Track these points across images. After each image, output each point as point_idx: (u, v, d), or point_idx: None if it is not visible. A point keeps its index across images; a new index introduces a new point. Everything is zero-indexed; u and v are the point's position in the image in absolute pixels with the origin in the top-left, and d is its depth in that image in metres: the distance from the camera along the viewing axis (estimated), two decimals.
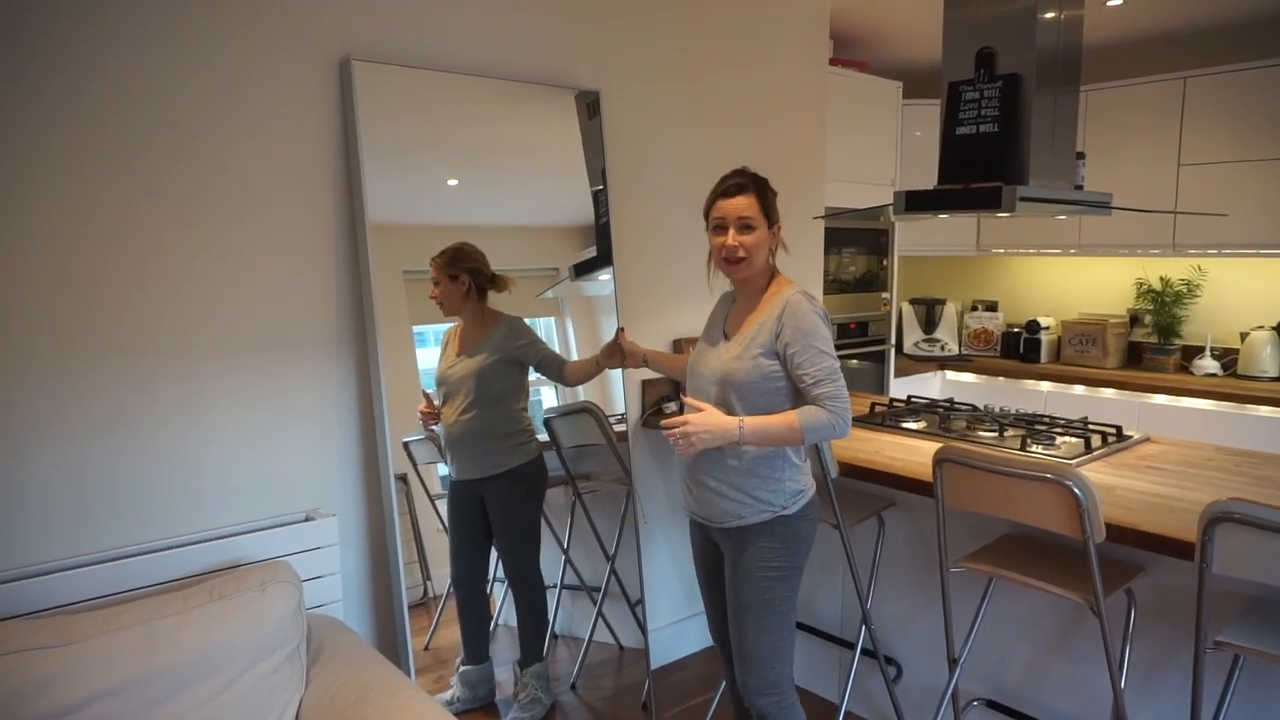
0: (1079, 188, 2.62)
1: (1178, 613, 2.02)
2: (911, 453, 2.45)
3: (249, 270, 2.19)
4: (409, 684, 1.87)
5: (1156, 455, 2.42)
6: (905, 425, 2.78)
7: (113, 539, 2.03)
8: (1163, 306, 4.31)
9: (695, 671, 3.13)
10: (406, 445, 2.44)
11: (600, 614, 2.88)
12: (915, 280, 5.53)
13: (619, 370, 2.85)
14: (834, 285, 4.18)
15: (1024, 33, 2.38)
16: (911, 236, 4.68)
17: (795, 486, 1.97)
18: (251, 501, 2.24)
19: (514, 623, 2.66)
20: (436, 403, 2.49)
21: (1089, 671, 2.21)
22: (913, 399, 3.12)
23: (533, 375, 2.63)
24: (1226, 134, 3.86)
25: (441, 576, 2.52)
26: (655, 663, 3.13)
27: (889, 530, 2.61)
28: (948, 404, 3.00)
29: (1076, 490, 1.76)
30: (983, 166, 2.44)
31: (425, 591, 2.48)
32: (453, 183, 2.51)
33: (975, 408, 2.96)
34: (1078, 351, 4.50)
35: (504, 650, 2.64)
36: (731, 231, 1.93)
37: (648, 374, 3.05)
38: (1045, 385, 4.40)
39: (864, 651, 2.56)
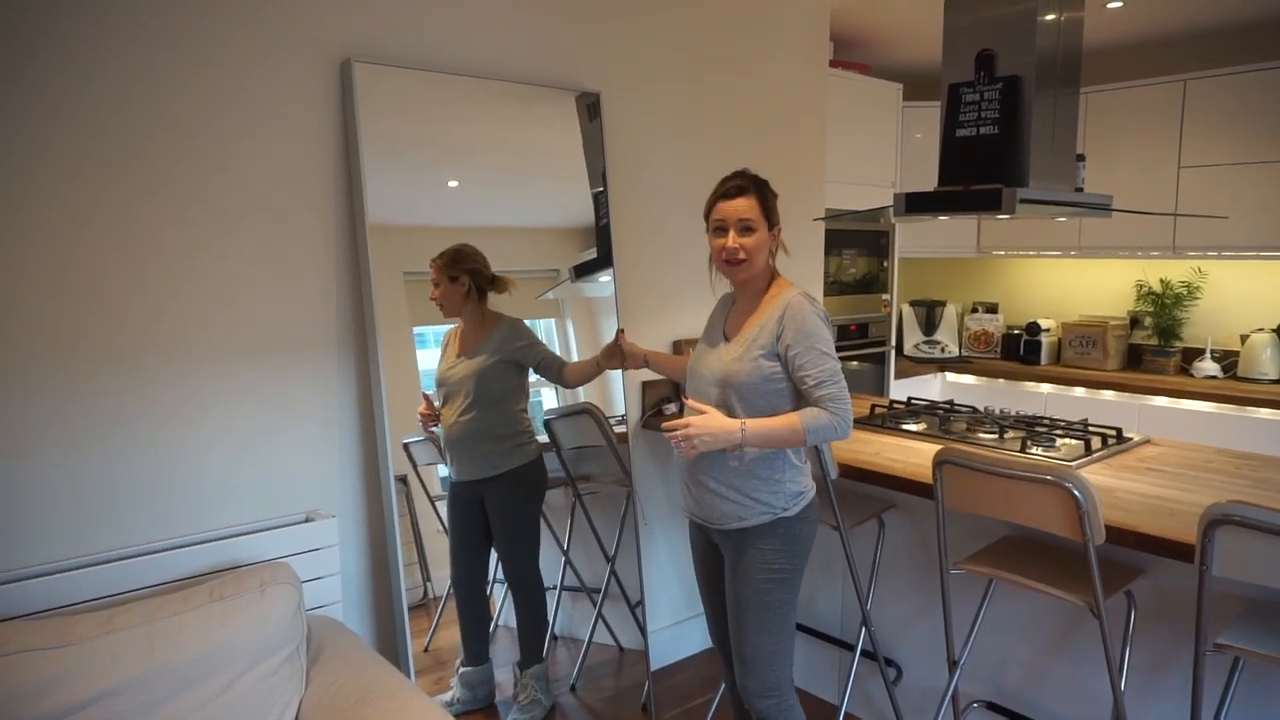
0: (1079, 190, 2.62)
1: (1178, 615, 2.02)
2: (911, 454, 2.45)
3: (249, 271, 2.19)
4: (409, 685, 1.87)
5: (1156, 457, 2.42)
6: (905, 427, 2.78)
7: (113, 540, 2.03)
8: (1163, 309, 4.31)
9: (695, 673, 3.13)
10: (406, 446, 2.44)
11: (600, 615, 2.88)
12: (915, 282, 5.53)
13: (619, 371, 2.85)
14: (834, 287, 4.18)
15: (1024, 35, 2.38)
16: (912, 238, 4.68)
17: (796, 488, 1.97)
18: (251, 502, 2.24)
19: (514, 624, 2.65)
20: (436, 404, 2.49)
21: (1089, 673, 2.20)
22: (913, 401, 3.12)
23: (533, 377, 2.63)
24: (1226, 136, 3.86)
25: (441, 578, 2.52)
26: (655, 664, 3.13)
27: (889, 532, 2.61)
28: (948, 406, 3.00)
29: (1076, 492, 1.76)
30: (983, 168, 2.44)
31: (425, 593, 2.48)
32: (453, 184, 2.51)
33: (975, 409, 2.96)
34: (1078, 353, 4.50)
35: (504, 651, 2.64)
36: (732, 233, 1.93)
37: (648, 375, 3.05)
38: (1045, 387, 4.40)
39: (864, 653, 2.56)
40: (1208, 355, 4.14)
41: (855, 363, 4.36)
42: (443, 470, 2.52)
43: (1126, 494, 2.05)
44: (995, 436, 2.60)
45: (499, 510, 2.57)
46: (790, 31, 3.49)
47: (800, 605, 2.83)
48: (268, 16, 2.17)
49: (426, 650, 2.48)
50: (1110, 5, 3.69)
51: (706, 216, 2.00)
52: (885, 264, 4.47)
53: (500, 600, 2.66)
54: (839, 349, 1.93)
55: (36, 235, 1.89)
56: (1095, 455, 2.39)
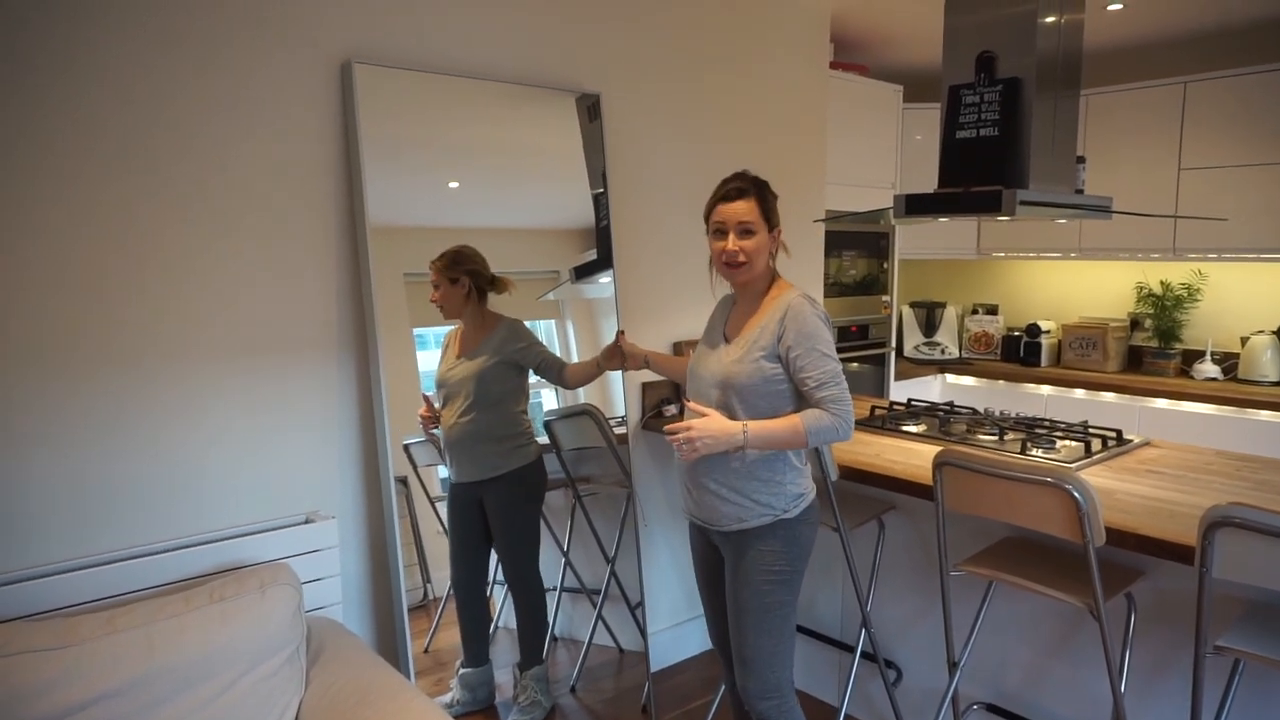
0: (1079, 192, 2.62)
1: (1178, 617, 2.02)
2: (912, 456, 2.45)
3: (249, 271, 2.19)
4: (409, 686, 1.87)
5: (1157, 459, 2.42)
6: (905, 428, 2.78)
7: (113, 541, 2.03)
8: (1163, 310, 4.31)
9: (695, 674, 3.13)
10: (407, 447, 2.44)
11: (600, 617, 2.87)
12: (915, 283, 5.53)
13: (619, 372, 2.85)
14: (834, 288, 4.18)
15: (1024, 37, 2.38)
16: (912, 240, 4.68)
17: (796, 490, 1.97)
18: (251, 503, 2.24)
19: (514, 625, 2.65)
20: (436, 405, 2.50)
21: (1089, 675, 2.20)
22: (913, 402, 3.12)
23: (533, 378, 2.63)
24: (1227, 138, 3.86)
25: (441, 579, 2.52)
26: (655, 666, 3.13)
27: (889, 533, 2.61)
28: (948, 407, 3.00)
29: (1076, 494, 1.76)
30: (983, 170, 2.44)
31: (425, 594, 2.48)
32: (454, 185, 2.51)
33: (975, 411, 2.96)
34: (1078, 355, 4.50)
35: (504, 653, 2.64)
36: (732, 236, 1.93)
37: (648, 376, 3.05)
38: (1045, 389, 4.40)
39: (864, 655, 2.56)
40: (1208, 357, 4.14)
41: (855, 364, 4.36)
42: (443, 471, 2.52)
43: (1126, 496, 2.05)
44: (995, 438, 2.60)
45: (499, 511, 2.57)
46: (790, 32, 3.49)
47: (800, 607, 2.83)
48: (268, 18, 2.17)
49: (426, 651, 2.48)
50: (1111, 7, 3.70)
51: (706, 219, 2.00)
52: (885, 265, 4.47)
53: (500, 601, 2.66)
54: (839, 350, 1.93)
55: (37, 236, 1.89)
56: (1095, 457, 2.39)
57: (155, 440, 2.07)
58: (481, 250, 2.51)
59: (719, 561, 2.11)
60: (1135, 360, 4.47)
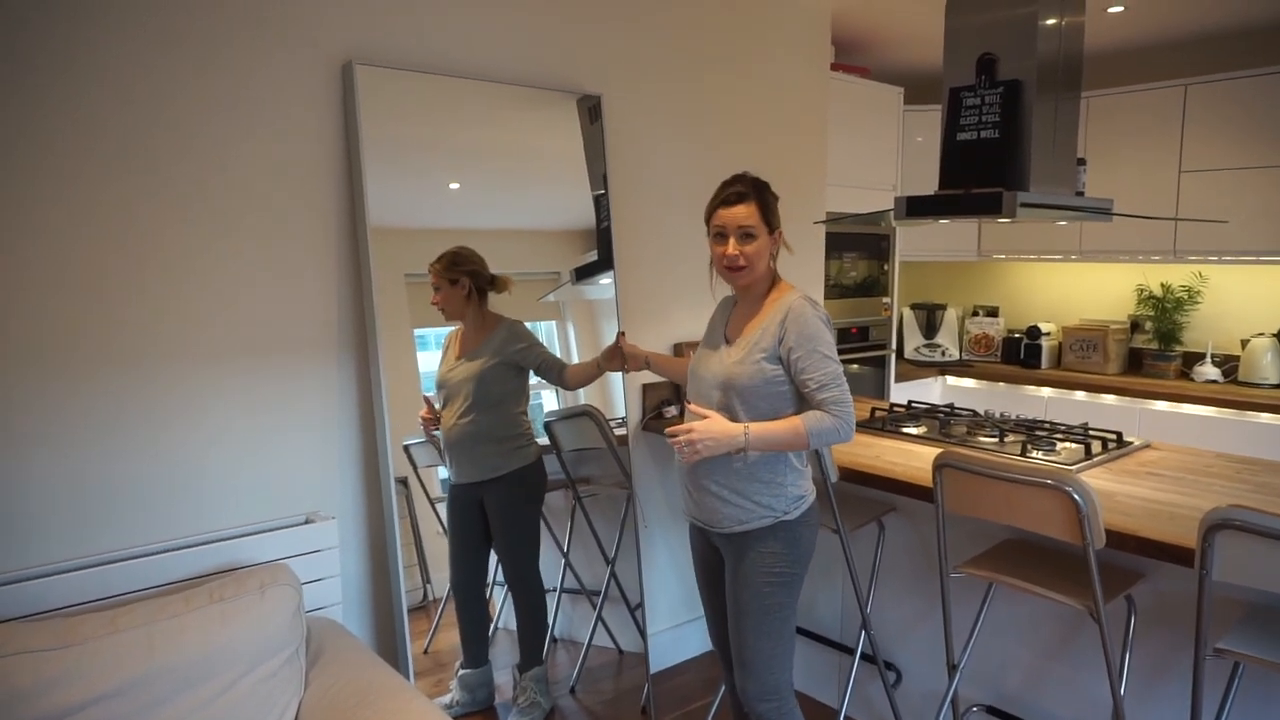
0: (1080, 194, 2.63)
1: (1178, 619, 2.02)
2: (912, 458, 2.45)
3: (249, 271, 2.19)
4: (408, 687, 1.86)
5: (1157, 461, 2.41)
6: (905, 430, 2.78)
7: (113, 541, 2.03)
8: (1163, 313, 4.31)
9: (695, 676, 3.12)
10: (407, 448, 2.44)
11: (600, 618, 2.87)
12: (916, 285, 5.53)
13: (619, 374, 2.85)
14: (835, 290, 4.18)
15: (1025, 39, 2.38)
16: (912, 242, 4.68)
17: (797, 492, 1.97)
18: (251, 504, 2.24)
19: (513, 626, 2.65)
20: (437, 406, 2.50)
21: (1089, 678, 2.20)
22: (913, 404, 3.12)
23: (534, 379, 2.63)
24: (1227, 141, 3.86)
25: (441, 580, 2.52)
26: (655, 667, 3.13)
27: (889, 535, 2.61)
28: (948, 409, 3.00)
29: (1076, 496, 1.76)
30: (984, 172, 2.44)
31: (425, 595, 2.48)
32: (454, 186, 2.51)
33: (976, 413, 2.96)
34: (1078, 357, 4.50)
35: (503, 654, 2.64)
36: (732, 241, 1.93)
37: (648, 377, 3.05)
38: (1046, 391, 4.40)
39: (864, 657, 2.56)
40: (1208, 359, 4.14)
41: (856, 366, 4.36)
42: (443, 472, 2.52)
43: (1127, 498, 2.05)
44: (995, 440, 2.60)
45: (499, 512, 2.57)
46: (791, 33, 3.49)
47: (800, 608, 2.83)
48: (268, 18, 2.17)
49: (426, 652, 2.48)
50: (1111, 10, 3.70)
51: (707, 222, 2.00)
52: (886, 267, 4.47)
53: (500, 602, 2.66)
54: (839, 352, 1.93)
55: (37, 236, 1.89)
56: (1095, 459, 2.39)
57: (155, 440, 2.07)
58: (482, 252, 2.51)
59: (719, 563, 2.11)
60: (1135, 362, 4.47)
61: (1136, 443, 2.59)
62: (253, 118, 2.17)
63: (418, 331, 2.46)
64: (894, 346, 4.59)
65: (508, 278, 2.56)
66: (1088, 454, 2.42)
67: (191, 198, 2.09)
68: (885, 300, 4.48)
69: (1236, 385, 3.99)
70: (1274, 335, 3.96)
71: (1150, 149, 4.10)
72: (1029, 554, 2.13)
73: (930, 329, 5.02)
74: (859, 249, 4.30)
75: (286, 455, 2.29)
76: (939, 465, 2.02)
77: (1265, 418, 3.65)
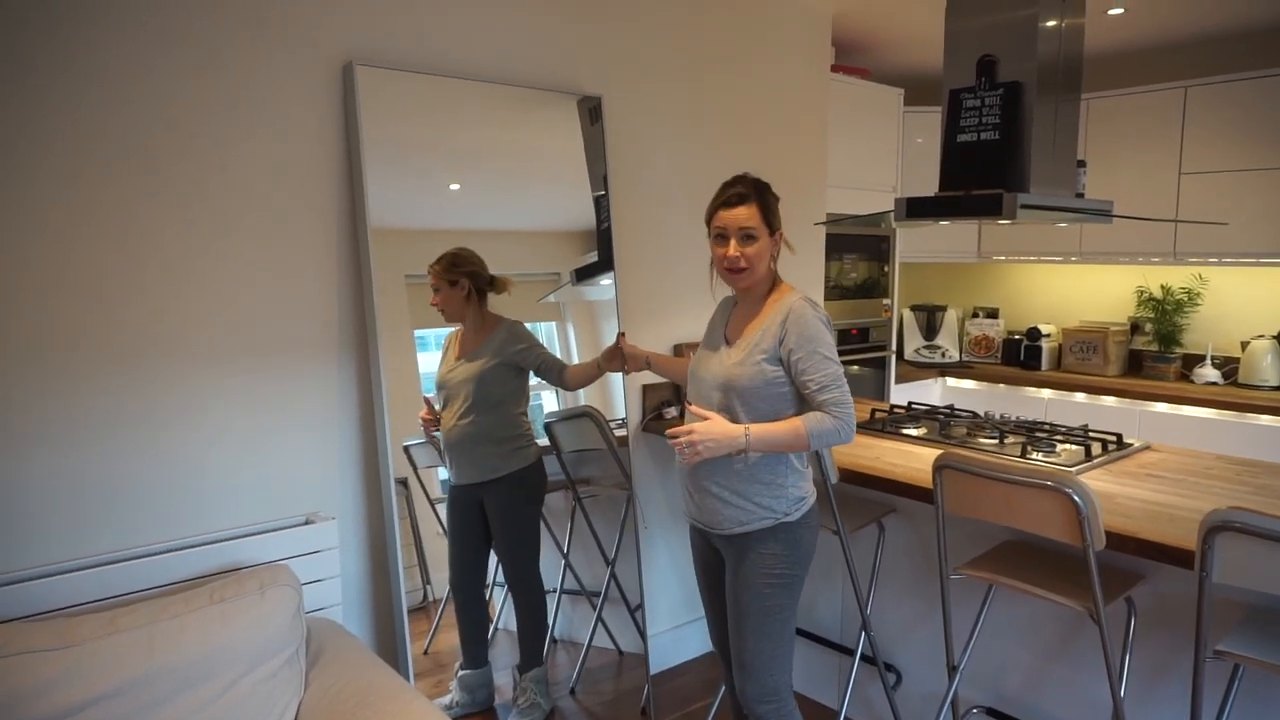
0: (1080, 195, 2.63)
1: (1178, 621, 2.02)
2: (912, 459, 2.45)
3: (249, 271, 2.19)
4: (408, 688, 1.86)
5: (1157, 463, 2.41)
6: (906, 432, 2.78)
7: (113, 541, 2.02)
8: (1163, 315, 4.31)
9: (695, 677, 3.12)
10: (407, 449, 2.44)
11: (600, 619, 2.87)
12: (916, 287, 5.53)
13: (619, 374, 2.85)
14: (835, 291, 4.18)
15: (1025, 41, 2.38)
16: (912, 243, 4.68)
17: (798, 493, 1.97)
18: (252, 504, 2.24)
19: (513, 627, 2.65)
20: (437, 407, 2.50)
21: (1089, 679, 2.20)
22: (913, 405, 3.12)
23: (534, 379, 2.63)
24: (1227, 143, 3.86)
25: (441, 580, 2.51)
26: (655, 668, 3.13)
27: (889, 536, 2.61)
28: (948, 411, 3.00)
29: (1076, 498, 1.76)
30: (984, 174, 2.44)
31: (425, 595, 2.48)
32: (455, 187, 2.51)
33: (976, 414, 2.96)
34: (1078, 359, 4.50)
35: (503, 655, 2.64)
36: (733, 243, 1.93)
37: (648, 378, 3.05)
38: (1046, 392, 4.40)
39: (864, 658, 2.55)
40: (1208, 361, 4.14)
41: (856, 367, 4.36)
42: (443, 473, 2.52)
43: (1127, 500, 2.05)
44: (995, 442, 2.60)
45: (499, 513, 2.57)
46: (791, 34, 3.49)
47: (800, 610, 2.82)
48: (268, 18, 2.17)
49: (426, 653, 2.48)
50: (1111, 12, 3.70)
51: (708, 223, 2.00)
52: (886, 269, 4.47)
53: (500, 603, 2.66)
54: (839, 353, 1.93)
55: (37, 236, 1.89)
56: (1095, 461, 2.39)
57: (155, 440, 2.07)
58: (483, 253, 2.51)
59: (720, 564, 2.11)
60: (1135, 364, 4.47)
61: (1136, 444, 2.59)
62: (253, 118, 2.17)
63: (418, 332, 2.46)
64: (894, 348, 4.59)
65: (507, 279, 2.57)
66: (1088, 456, 2.42)
67: (191, 198, 2.09)
68: (885, 301, 4.48)
69: (1236, 387, 3.99)
70: (1274, 337, 3.96)
71: (1150, 151, 4.10)
72: (1029, 555, 2.13)
73: (930, 330, 5.02)
74: (859, 250, 4.30)
75: (286, 456, 2.29)
76: (939, 467, 2.02)
77: (1265, 420, 3.65)
